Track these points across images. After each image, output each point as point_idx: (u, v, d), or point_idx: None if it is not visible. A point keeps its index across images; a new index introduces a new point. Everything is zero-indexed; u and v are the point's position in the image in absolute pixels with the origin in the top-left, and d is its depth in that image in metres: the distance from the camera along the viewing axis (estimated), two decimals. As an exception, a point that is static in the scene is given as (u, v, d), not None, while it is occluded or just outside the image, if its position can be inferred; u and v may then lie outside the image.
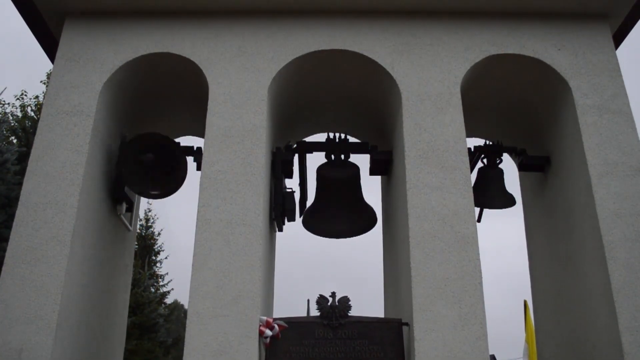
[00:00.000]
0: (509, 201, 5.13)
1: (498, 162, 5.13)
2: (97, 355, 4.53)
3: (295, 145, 5.05)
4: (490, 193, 5.05)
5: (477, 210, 4.75)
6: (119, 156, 4.86)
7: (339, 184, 5.08)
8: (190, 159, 5.00)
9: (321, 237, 5.18)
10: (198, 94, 4.71)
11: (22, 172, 8.84)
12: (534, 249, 5.37)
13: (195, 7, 4.66)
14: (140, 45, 4.59)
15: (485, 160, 5.15)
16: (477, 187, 5.04)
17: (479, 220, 5.19)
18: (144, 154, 4.81)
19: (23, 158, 10.04)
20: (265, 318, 3.89)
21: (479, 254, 3.93)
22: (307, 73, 4.74)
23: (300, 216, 5.11)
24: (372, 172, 5.18)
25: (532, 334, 7.10)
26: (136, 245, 16.68)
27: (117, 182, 4.83)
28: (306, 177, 5.18)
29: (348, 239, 5.23)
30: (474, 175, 5.13)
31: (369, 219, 5.11)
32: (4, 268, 3.86)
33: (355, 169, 5.12)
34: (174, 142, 5.01)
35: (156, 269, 19.55)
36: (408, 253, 3.95)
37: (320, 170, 5.11)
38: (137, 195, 5.34)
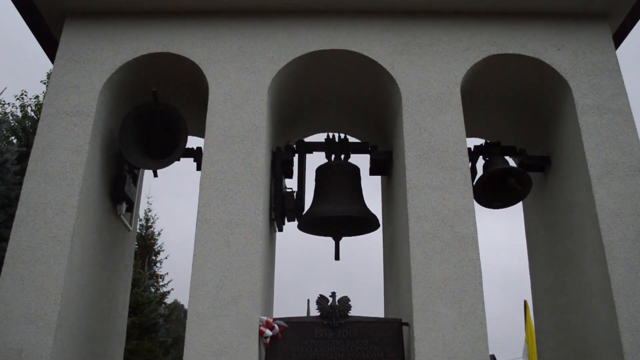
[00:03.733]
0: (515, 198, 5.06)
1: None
2: (97, 355, 4.53)
3: (295, 146, 5.05)
4: (496, 191, 5.00)
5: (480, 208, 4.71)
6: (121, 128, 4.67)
7: (339, 179, 4.99)
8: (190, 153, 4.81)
9: (321, 237, 5.16)
10: (198, 94, 4.71)
11: (22, 172, 8.85)
12: (534, 248, 5.36)
13: (195, 7, 4.66)
14: (140, 45, 4.58)
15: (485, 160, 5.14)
16: (482, 186, 5.01)
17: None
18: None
19: (23, 158, 10.05)
20: (265, 318, 3.89)
21: (479, 253, 3.93)
22: (307, 73, 4.74)
23: (297, 216, 4.97)
24: (372, 172, 5.17)
25: (532, 334, 7.12)
26: (136, 245, 16.68)
27: (117, 181, 4.83)
28: (305, 178, 5.18)
29: (348, 239, 5.21)
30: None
31: (369, 217, 5.05)
32: (4, 268, 3.86)
33: (356, 168, 5.10)
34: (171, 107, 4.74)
35: (156, 269, 19.56)
36: (408, 253, 3.95)
37: (320, 169, 5.08)
38: (137, 195, 5.27)
